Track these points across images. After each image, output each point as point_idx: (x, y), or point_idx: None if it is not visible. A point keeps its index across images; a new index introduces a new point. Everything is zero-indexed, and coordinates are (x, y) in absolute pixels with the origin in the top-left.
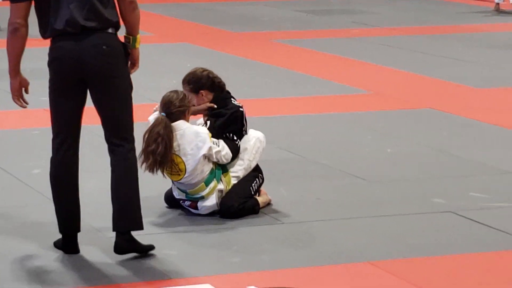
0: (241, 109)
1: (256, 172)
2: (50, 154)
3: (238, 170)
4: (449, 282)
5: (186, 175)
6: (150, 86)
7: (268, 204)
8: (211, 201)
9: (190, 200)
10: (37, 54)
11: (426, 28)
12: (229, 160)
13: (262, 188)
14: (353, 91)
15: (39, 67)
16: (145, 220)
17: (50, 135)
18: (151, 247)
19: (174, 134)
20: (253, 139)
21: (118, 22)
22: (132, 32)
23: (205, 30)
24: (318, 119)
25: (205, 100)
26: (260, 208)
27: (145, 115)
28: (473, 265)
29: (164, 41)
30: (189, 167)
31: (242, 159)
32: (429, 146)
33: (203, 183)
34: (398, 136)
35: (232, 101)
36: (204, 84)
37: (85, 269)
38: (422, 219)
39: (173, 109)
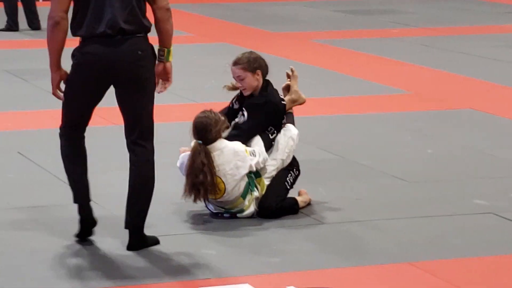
0: (283, 102)
1: (289, 166)
2: (91, 153)
3: (272, 171)
4: (489, 283)
5: (225, 195)
6: (189, 86)
7: (308, 204)
8: (250, 210)
9: (229, 213)
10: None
11: (465, 28)
12: (266, 162)
13: (302, 188)
14: (393, 91)
15: None
16: (183, 221)
17: (90, 134)
18: (156, 241)
19: (212, 155)
20: (286, 137)
21: (150, 28)
22: (166, 43)
23: (244, 30)
24: (357, 119)
25: (258, 80)
26: (300, 208)
27: (182, 115)
28: None
29: (203, 41)
30: (229, 187)
31: (275, 159)
32: (470, 146)
33: (240, 198)
34: (438, 137)
35: (273, 91)
36: (261, 65)
37: (120, 268)
38: (463, 220)
39: (210, 136)
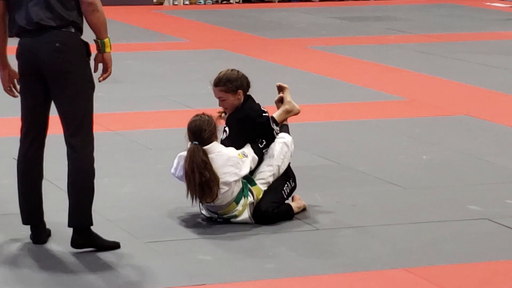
0: (264, 113)
1: (286, 176)
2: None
3: (268, 177)
4: None
5: (216, 199)
6: (184, 92)
7: (303, 210)
8: (244, 216)
9: (222, 218)
10: None
11: (461, 34)
12: (256, 163)
13: (296, 194)
14: (389, 98)
15: None
16: (179, 226)
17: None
18: (116, 245)
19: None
20: (280, 144)
21: (77, 22)
22: (98, 35)
23: (240, 36)
24: (353, 125)
25: (240, 99)
26: (295, 214)
27: (178, 121)
28: (509, 272)
29: (198, 47)
30: (221, 191)
31: (271, 165)
32: (465, 153)
33: (233, 203)
34: (434, 143)
35: (252, 104)
36: (242, 83)
37: (119, 275)
38: (458, 226)
39: (205, 135)
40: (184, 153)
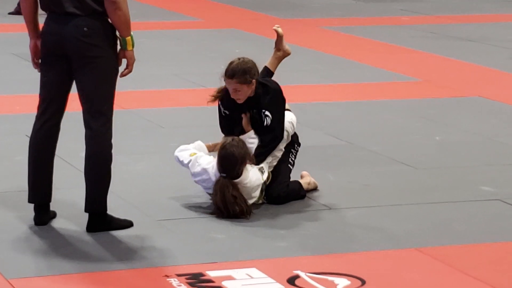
0: (276, 84)
1: (289, 146)
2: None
3: (273, 160)
4: (496, 269)
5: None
6: (199, 71)
7: (314, 188)
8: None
9: None
10: None
11: (475, 16)
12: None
13: (304, 172)
14: (403, 79)
15: None
16: (192, 204)
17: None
18: (129, 224)
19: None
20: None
21: (102, 11)
22: (120, 33)
23: (254, 16)
24: (366, 106)
25: (253, 88)
26: (306, 191)
27: (191, 100)
28: None
29: (212, 27)
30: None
31: (275, 155)
32: (478, 134)
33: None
34: (447, 124)
35: (266, 80)
36: (255, 73)
37: (131, 252)
38: (470, 207)
39: (235, 172)
40: (200, 156)
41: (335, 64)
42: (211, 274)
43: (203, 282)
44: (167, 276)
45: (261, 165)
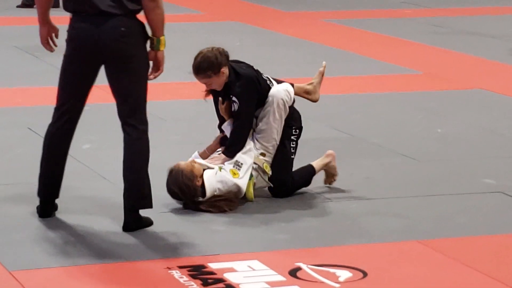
0: (250, 69)
1: (288, 129)
2: (101, 130)
3: (269, 146)
4: (497, 262)
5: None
6: None
7: (333, 174)
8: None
9: None
10: None
11: (477, 8)
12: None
13: (330, 151)
14: (404, 71)
15: None
16: None
17: (100, 112)
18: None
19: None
20: (272, 105)
21: (137, 10)
22: (154, 33)
23: (255, 8)
24: (368, 98)
25: (226, 74)
26: (327, 173)
27: (192, 93)
28: None
29: (213, 20)
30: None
31: (271, 144)
32: (479, 126)
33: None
34: (448, 116)
35: (240, 66)
36: (222, 61)
37: (131, 244)
38: (472, 199)
39: (193, 190)
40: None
41: (336, 57)
42: (213, 266)
43: (205, 274)
44: (169, 268)
45: (235, 158)
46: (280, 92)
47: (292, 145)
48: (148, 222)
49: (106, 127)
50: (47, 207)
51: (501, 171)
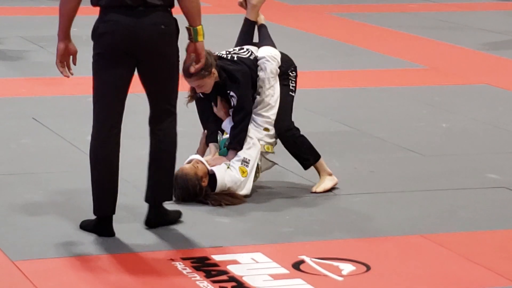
0: (238, 65)
1: (285, 77)
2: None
3: (270, 116)
4: (500, 256)
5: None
6: None
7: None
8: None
9: None
10: (91, 22)
11: (483, 4)
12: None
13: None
14: (410, 66)
15: None
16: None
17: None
18: (179, 214)
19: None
20: (262, 72)
21: (173, 2)
22: (191, 22)
23: None
24: (373, 92)
25: (216, 74)
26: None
27: None
28: None
29: (220, 12)
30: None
31: (263, 114)
32: (485, 121)
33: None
34: (453, 111)
35: (227, 64)
36: (211, 62)
37: (135, 235)
38: (476, 194)
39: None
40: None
41: (341, 50)
42: (216, 258)
43: (208, 266)
44: (172, 260)
45: (242, 156)
46: (265, 60)
47: (291, 87)
48: (176, 216)
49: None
50: (107, 224)
51: (505, 166)
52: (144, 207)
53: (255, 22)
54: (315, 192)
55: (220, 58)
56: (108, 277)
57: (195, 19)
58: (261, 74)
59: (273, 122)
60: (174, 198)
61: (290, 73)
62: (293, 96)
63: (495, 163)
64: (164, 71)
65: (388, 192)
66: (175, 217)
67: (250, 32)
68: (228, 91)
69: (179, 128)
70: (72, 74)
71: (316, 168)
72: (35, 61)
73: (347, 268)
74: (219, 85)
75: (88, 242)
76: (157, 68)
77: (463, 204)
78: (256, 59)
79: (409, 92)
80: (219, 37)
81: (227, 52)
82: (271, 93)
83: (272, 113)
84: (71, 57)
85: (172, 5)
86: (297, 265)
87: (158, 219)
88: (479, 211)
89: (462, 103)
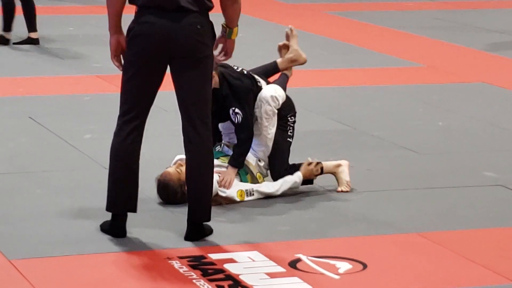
0: (244, 78)
1: (283, 118)
2: (102, 120)
3: (258, 151)
4: (497, 255)
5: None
6: None
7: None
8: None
9: None
10: (88, 21)
11: (480, 2)
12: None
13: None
14: (406, 64)
15: (94, 33)
16: None
17: (101, 102)
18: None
19: None
20: (260, 111)
21: (212, 7)
22: (229, 24)
23: (257, 0)
24: (370, 91)
25: (216, 80)
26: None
27: None
28: None
29: (214, 11)
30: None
31: (261, 150)
32: (481, 119)
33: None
34: (450, 110)
35: (232, 76)
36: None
37: (132, 234)
38: (472, 192)
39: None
40: None
41: (338, 49)
42: (213, 257)
43: (204, 265)
44: (169, 259)
45: (250, 187)
46: (267, 98)
47: (289, 133)
48: (210, 231)
49: (107, 116)
50: (120, 222)
51: (501, 165)
52: (142, 207)
53: (280, 70)
54: (342, 191)
55: (224, 66)
56: (105, 276)
57: (233, 21)
58: (256, 111)
59: (263, 157)
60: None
61: (289, 118)
62: (290, 142)
63: (492, 161)
64: (198, 75)
65: (385, 190)
66: (210, 231)
67: (270, 73)
68: (233, 108)
69: (175, 127)
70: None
71: (327, 172)
72: (32, 60)
73: (344, 266)
74: (221, 95)
75: (86, 240)
76: (191, 71)
77: (461, 203)
78: (259, 88)
79: (406, 90)
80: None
81: (237, 67)
82: (266, 135)
83: (261, 151)
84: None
85: (209, 9)
86: (293, 264)
87: (197, 236)
88: (476, 209)
89: (460, 101)
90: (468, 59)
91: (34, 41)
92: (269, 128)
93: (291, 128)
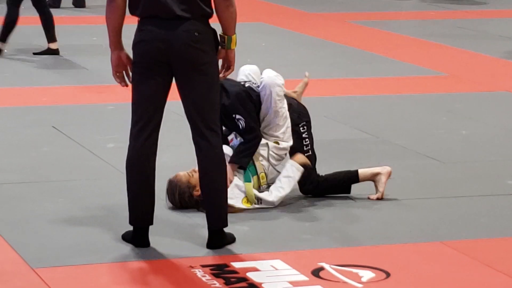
0: (237, 87)
1: (296, 127)
2: (125, 129)
3: (279, 134)
4: None
5: None
6: None
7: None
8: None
9: None
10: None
11: (504, 11)
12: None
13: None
14: (429, 73)
15: None
16: None
17: (124, 111)
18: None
19: None
20: (268, 98)
21: (211, 13)
22: (226, 31)
23: (280, 10)
24: (393, 100)
25: None
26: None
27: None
28: None
29: (239, 21)
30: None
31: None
32: (505, 128)
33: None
34: (473, 118)
35: (228, 85)
36: None
37: (155, 243)
38: (495, 201)
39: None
40: None
41: (361, 58)
42: (236, 265)
43: (227, 273)
44: (192, 267)
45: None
46: (272, 78)
47: (305, 143)
48: (232, 238)
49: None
50: (141, 236)
51: None
52: (164, 216)
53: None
54: (369, 198)
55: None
56: (129, 284)
57: (230, 28)
58: (269, 100)
59: (286, 136)
60: (169, 204)
61: (301, 129)
62: (310, 155)
63: None
64: (201, 83)
65: (408, 199)
66: (233, 239)
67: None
68: (234, 115)
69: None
70: (129, 83)
71: (365, 180)
72: (56, 70)
73: (366, 275)
74: (222, 105)
75: (108, 250)
76: (193, 79)
77: (484, 211)
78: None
79: (429, 99)
80: (239, 45)
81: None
82: (281, 115)
83: (281, 132)
84: (128, 67)
85: (208, 15)
86: (316, 272)
87: (218, 244)
88: (499, 217)
89: (482, 110)
90: (491, 68)
91: (54, 52)
92: (283, 108)
93: (306, 140)
